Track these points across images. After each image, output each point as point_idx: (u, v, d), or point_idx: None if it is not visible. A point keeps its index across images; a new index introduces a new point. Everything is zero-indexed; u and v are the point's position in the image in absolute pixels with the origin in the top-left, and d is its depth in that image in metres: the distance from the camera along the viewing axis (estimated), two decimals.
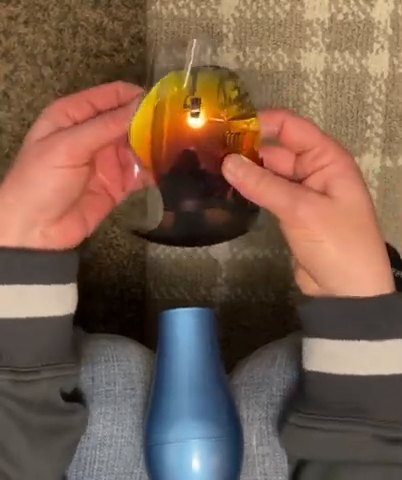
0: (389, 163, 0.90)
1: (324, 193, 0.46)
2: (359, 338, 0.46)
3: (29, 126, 0.93)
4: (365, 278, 0.47)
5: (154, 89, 0.47)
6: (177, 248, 0.90)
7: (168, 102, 0.47)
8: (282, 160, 0.50)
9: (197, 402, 0.52)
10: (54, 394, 0.50)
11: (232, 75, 0.48)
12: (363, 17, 0.86)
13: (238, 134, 0.47)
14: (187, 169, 0.48)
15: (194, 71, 0.47)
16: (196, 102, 0.47)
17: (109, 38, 0.87)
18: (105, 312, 0.90)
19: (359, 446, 0.47)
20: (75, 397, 0.54)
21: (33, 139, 0.47)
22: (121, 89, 0.49)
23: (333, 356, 0.47)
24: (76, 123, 0.48)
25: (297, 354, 0.56)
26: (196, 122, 0.47)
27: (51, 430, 0.50)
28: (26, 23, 0.86)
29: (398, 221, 0.91)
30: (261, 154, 0.49)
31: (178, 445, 0.51)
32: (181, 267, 0.91)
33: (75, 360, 0.51)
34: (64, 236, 0.49)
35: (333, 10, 0.86)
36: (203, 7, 0.86)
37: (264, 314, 0.91)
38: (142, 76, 0.86)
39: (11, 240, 0.47)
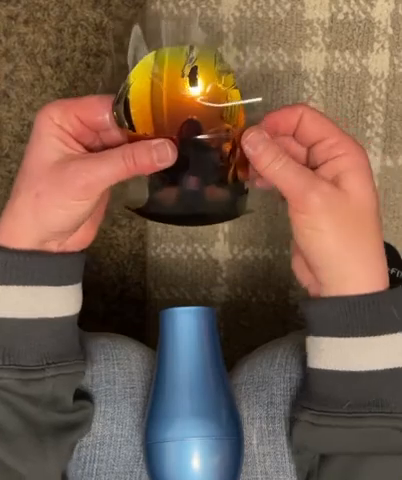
0: (389, 163, 0.90)
1: (335, 184, 0.47)
2: (369, 334, 0.47)
3: (29, 126, 0.93)
4: (359, 275, 0.47)
5: (149, 56, 0.47)
6: (177, 248, 0.90)
7: (166, 71, 0.46)
8: (294, 153, 0.50)
9: (197, 401, 0.52)
10: (62, 393, 0.50)
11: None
12: (363, 17, 0.86)
13: (234, 106, 0.47)
14: (189, 139, 0.47)
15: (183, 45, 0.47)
16: (194, 71, 0.46)
17: (109, 38, 0.87)
18: (105, 312, 0.90)
19: (381, 439, 0.48)
20: (81, 394, 0.54)
21: (47, 161, 0.47)
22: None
23: (344, 354, 0.47)
24: (85, 147, 0.48)
25: (297, 353, 0.56)
26: (195, 90, 0.46)
27: (59, 427, 0.50)
28: (26, 23, 0.86)
29: (398, 221, 0.91)
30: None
31: (178, 443, 0.51)
32: (181, 267, 0.91)
33: (79, 357, 0.52)
34: (79, 242, 0.50)
35: (333, 10, 0.86)
36: (203, 6, 0.86)
37: (264, 314, 0.91)
38: None
39: (26, 245, 0.47)
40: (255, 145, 0.46)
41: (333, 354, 0.48)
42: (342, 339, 0.47)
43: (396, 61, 0.87)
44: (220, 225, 0.90)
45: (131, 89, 0.47)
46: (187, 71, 0.46)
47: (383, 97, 0.88)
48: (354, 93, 0.88)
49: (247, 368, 0.58)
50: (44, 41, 0.86)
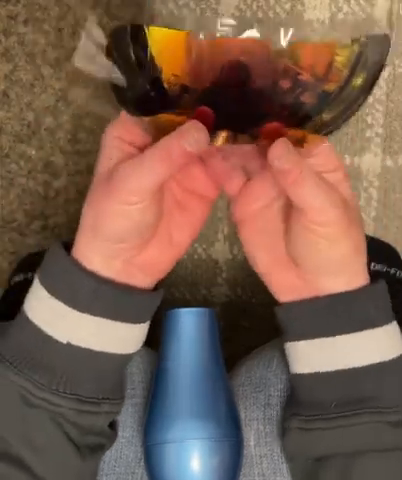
0: (389, 163, 0.90)
1: None
2: (349, 331, 0.47)
3: (29, 126, 0.93)
4: (361, 271, 0.48)
5: None
6: None
7: None
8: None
9: (197, 402, 0.52)
10: (105, 427, 0.51)
11: None
12: (363, 17, 0.86)
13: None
14: (235, 83, 0.38)
15: None
16: None
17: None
18: None
19: (374, 434, 0.47)
20: None
21: (102, 171, 0.45)
22: None
23: (326, 354, 0.48)
24: (140, 148, 0.45)
25: None
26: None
27: (95, 448, 0.51)
28: (26, 22, 0.86)
29: (398, 221, 0.91)
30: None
31: (178, 445, 0.51)
32: (181, 267, 0.91)
33: (123, 395, 0.52)
34: (149, 265, 0.48)
35: (333, 9, 0.86)
36: (203, 6, 0.86)
37: (264, 314, 0.91)
38: None
39: (96, 268, 0.46)
40: (282, 160, 0.42)
41: (313, 356, 0.48)
42: (323, 339, 0.47)
43: (396, 61, 0.87)
44: (220, 225, 0.90)
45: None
46: None
47: (383, 97, 0.88)
48: None
49: (245, 370, 0.58)
50: (44, 41, 0.86)
